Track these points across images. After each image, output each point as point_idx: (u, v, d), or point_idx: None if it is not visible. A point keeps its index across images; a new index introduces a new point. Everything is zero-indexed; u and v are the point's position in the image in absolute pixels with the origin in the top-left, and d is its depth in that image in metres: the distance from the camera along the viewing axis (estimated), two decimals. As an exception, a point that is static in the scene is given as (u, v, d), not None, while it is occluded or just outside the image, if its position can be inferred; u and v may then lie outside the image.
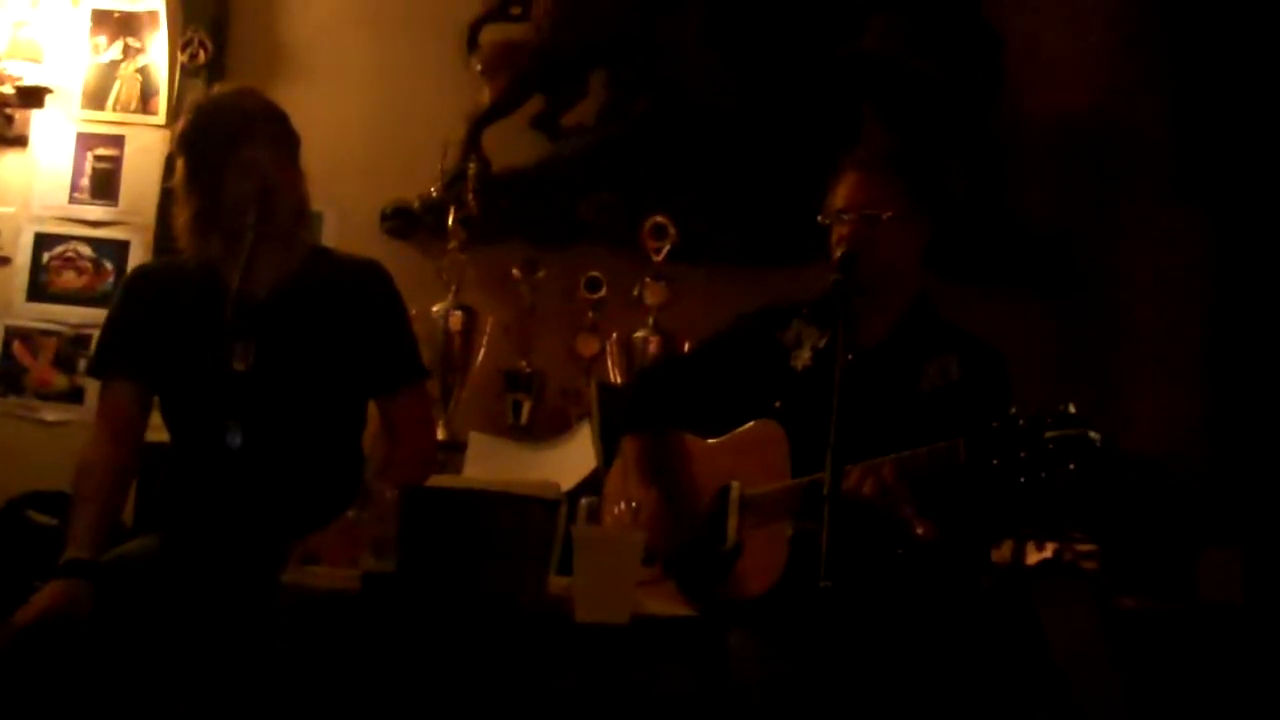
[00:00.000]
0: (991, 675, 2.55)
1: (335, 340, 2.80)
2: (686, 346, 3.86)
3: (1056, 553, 3.68)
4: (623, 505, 2.75)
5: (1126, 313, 4.40)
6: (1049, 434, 2.35)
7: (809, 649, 2.33)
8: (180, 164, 2.81)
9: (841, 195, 2.77)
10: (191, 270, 2.80)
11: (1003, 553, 3.64)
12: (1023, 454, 2.37)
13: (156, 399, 2.85)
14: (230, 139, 2.73)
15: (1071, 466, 2.33)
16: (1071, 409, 2.36)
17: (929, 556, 2.56)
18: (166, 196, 3.01)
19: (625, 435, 3.01)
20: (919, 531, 2.50)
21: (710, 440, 2.90)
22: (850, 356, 2.50)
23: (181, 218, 2.80)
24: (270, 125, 2.79)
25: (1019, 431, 2.38)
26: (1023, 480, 2.37)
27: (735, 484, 2.77)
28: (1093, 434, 2.33)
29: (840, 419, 2.33)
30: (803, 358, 2.84)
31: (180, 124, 2.87)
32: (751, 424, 2.80)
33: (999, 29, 4.37)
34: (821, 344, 2.82)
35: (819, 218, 2.81)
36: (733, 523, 2.75)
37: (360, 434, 2.94)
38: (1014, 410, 2.40)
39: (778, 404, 2.78)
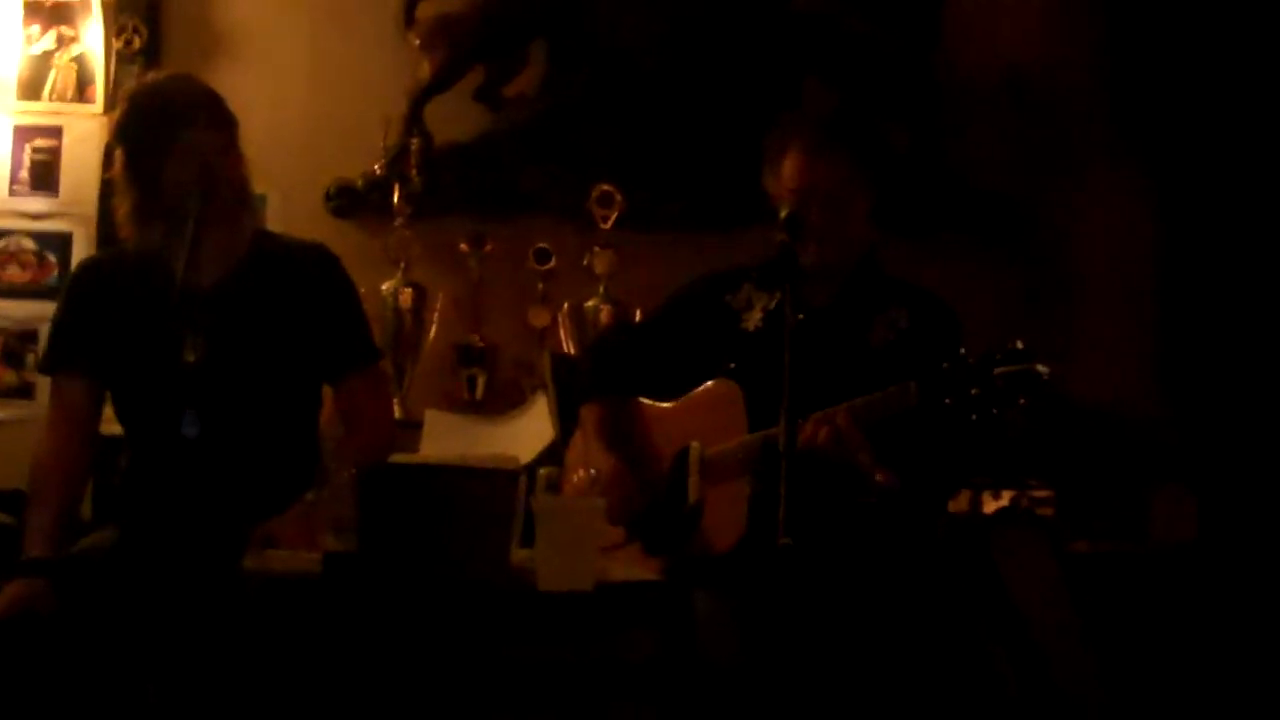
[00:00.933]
0: (952, 620, 2.59)
1: (285, 327, 2.79)
2: (638, 315, 3.87)
3: (1013, 500, 3.73)
4: (581, 473, 2.77)
5: (1074, 262, 4.43)
6: (998, 370, 2.38)
7: (773, 606, 2.35)
8: (118, 154, 2.79)
9: (790, 175, 2.78)
10: (136, 261, 2.78)
11: (960, 502, 3.68)
12: (974, 391, 2.40)
13: (109, 393, 2.83)
14: (167, 125, 2.71)
15: (1022, 401, 2.36)
16: (1019, 345, 2.40)
17: (891, 503, 2.59)
18: (107, 186, 2.98)
19: (583, 404, 3.02)
20: (878, 478, 2.53)
21: (667, 404, 2.91)
22: (801, 316, 2.52)
23: (123, 208, 2.78)
24: (207, 109, 2.77)
25: (969, 369, 2.41)
26: (975, 418, 2.40)
27: (695, 444, 2.79)
28: (1040, 367, 2.37)
29: (793, 377, 2.35)
30: (753, 319, 2.86)
31: (115, 114, 2.86)
32: (708, 384, 2.82)
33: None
34: (772, 305, 2.84)
35: (766, 187, 2.83)
36: (694, 481, 2.77)
37: (316, 416, 2.93)
38: (963, 351, 2.43)
39: (731, 365, 2.80)
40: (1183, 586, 3.65)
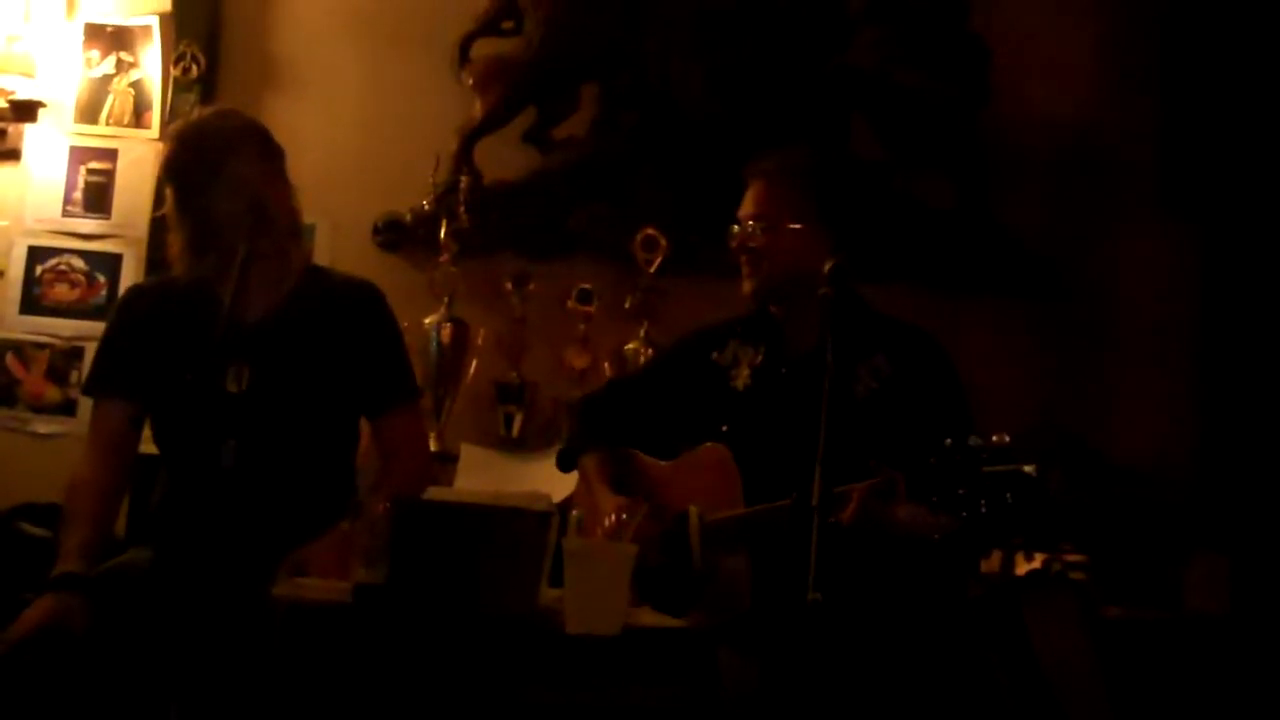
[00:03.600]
0: (979, 684, 2.56)
1: (329, 362, 2.81)
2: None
3: (1046, 563, 3.70)
4: (612, 518, 2.75)
5: (1114, 322, 4.42)
6: (985, 469, 2.36)
7: (799, 662, 2.33)
8: (169, 191, 2.81)
9: (742, 205, 2.86)
10: (185, 289, 2.81)
11: (992, 563, 3.66)
12: (960, 490, 2.37)
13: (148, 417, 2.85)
14: (214, 159, 2.74)
15: (1008, 497, 2.33)
16: (1005, 439, 2.35)
17: (957, 545, 2.58)
18: (160, 222, 3.01)
19: (581, 455, 3.01)
20: (937, 519, 2.50)
21: (662, 463, 2.90)
22: (784, 370, 2.51)
23: (176, 244, 2.80)
24: (253, 141, 2.80)
25: (955, 466, 2.38)
26: (964, 515, 2.37)
27: (693, 509, 2.74)
28: (1027, 468, 2.33)
29: (782, 433, 2.32)
30: (742, 377, 2.85)
31: (164, 152, 2.87)
32: (703, 447, 2.79)
33: (986, 40, 4.40)
34: (758, 361, 2.84)
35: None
36: (696, 549, 2.71)
37: (354, 450, 2.95)
38: (948, 443, 2.39)
39: (724, 428, 2.78)
40: (1214, 657, 3.61)
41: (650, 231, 4.22)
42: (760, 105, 4.41)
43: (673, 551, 2.76)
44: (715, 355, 2.90)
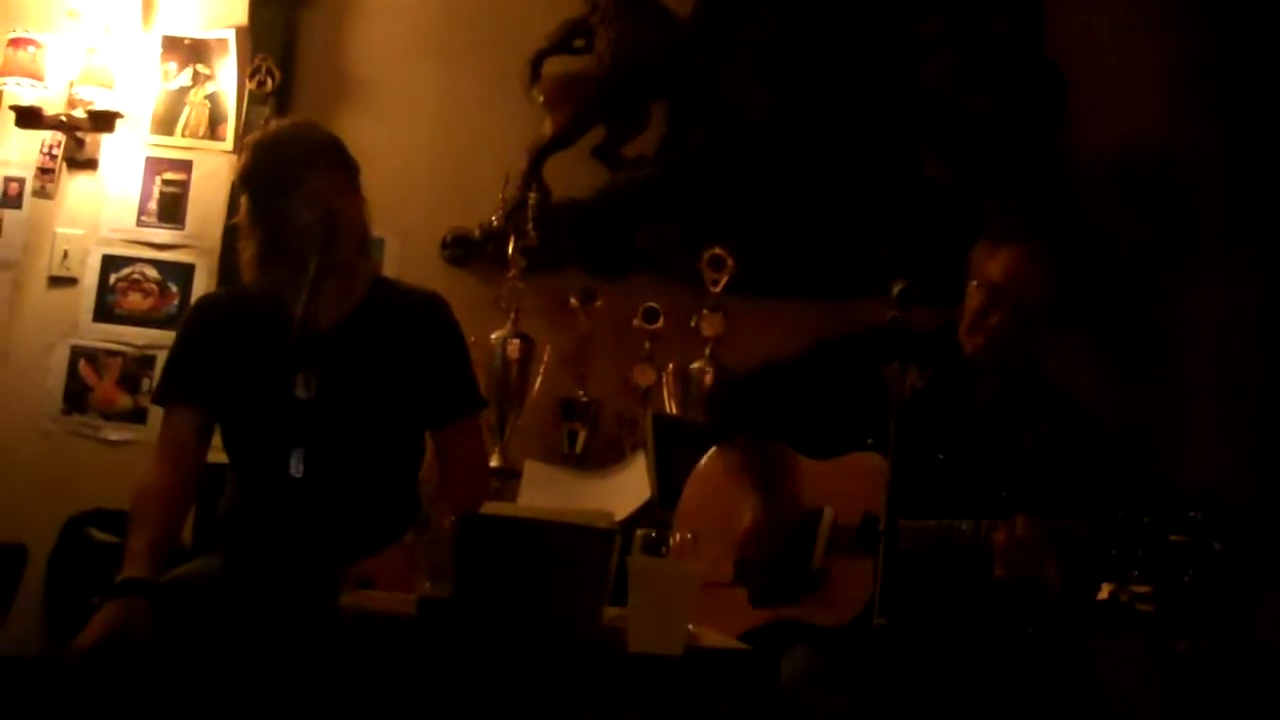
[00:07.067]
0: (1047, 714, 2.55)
1: (396, 371, 2.83)
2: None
3: (1112, 594, 3.65)
4: (678, 536, 2.75)
5: (1184, 351, 4.37)
6: (1174, 537, 2.33)
7: (870, 684, 2.32)
8: (243, 200, 2.83)
9: (999, 270, 2.73)
10: (256, 299, 2.83)
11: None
12: (1140, 552, 2.35)
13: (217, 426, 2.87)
14: (291, 170, 2.75)
15: (1187, 578, 2.30)
16: (1198, 516, 2.34)
17: (1055, 632, 2.57)
18: (233, 231, 3.04)
19: (726, 440, 3.01)
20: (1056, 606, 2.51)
21: (812, 461, 2.89)
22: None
23: (247, 252, 2.82)
24: (329, 154, 2.82)
25: (1142, 529, 2.36)
26: (1136, 574, 2.35)
27: (828, 510, 2.76)
28: (1217, 544, 2.31)
29: (945, 473, 2.31)
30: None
31: (240, 161, 2.89)
32: (861, 454, 2.78)
33: (1060, 65, 4.36)
34: (921, 384, 2.81)
35: (970, 283, 2.78)
36: (820, 548, 2.74)
37: (419, 461, 2.96)
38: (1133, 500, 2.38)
39: (870, 441, 2.77)
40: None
41: (717, 251, 4.22)
42: (829, 127, 4.40)
43: (796, 545, 2.76)
44: (880, 367, 2.83)
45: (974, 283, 2.77)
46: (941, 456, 2.45)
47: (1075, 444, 2.73)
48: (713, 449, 3.05)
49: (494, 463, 3.94)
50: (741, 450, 2.96)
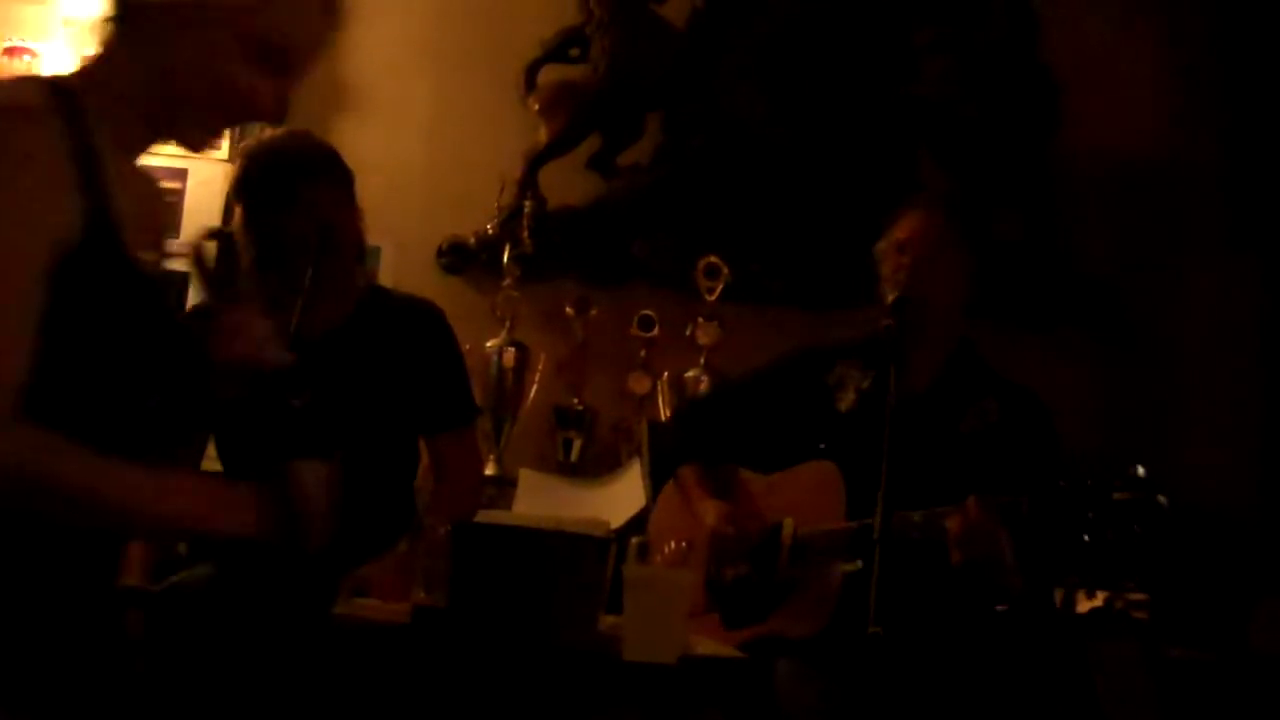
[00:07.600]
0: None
1: (390, 380, 2.83)
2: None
3: (1107, 601, 3.65)
4: (673, 544, 2.76)
5: (1180, 357, 4.38)
6: (1117, 495, 2.34)
7: (860, 690, 2.32)
8: (238, 210, 2.84)
9: (902, 229, 2.82)
10: (250, 309, 2.84)
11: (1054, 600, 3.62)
12: (1090, 514, 2.36)
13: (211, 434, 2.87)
14: (286, 181, 2.76)
15: (1137, 529, 2.31)
16: (1141, 471, 2.35)
17: (1020, 609, 2.57)
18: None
19: (681, 465, 3.03)
20: (1016, 582, 2.51)
21: (764, 476, 2.91)
22: (891, 400, 2.51)
23: (242, 262, 2.83)
24: (325, 165, 2.83)
25: (1086, 491, 2.37)
26: (1086, 539, 2.36)
27: (789, 521, 2.77)
28: (1161, 498, 2.32)
29: (890, 462, 2.34)
30: (846, 400, 2.86)
31: (235, 170, 2.89)
32: (810, 463, 2.81)
33: (1055, 71, 4.37)
34: (865, 386, 2.85)
35: (875, 248, 2.87)
36: (783, 560, 2.75)
37: (414, 471, 2.97)
38: (1079, 471, 2.39)
39: (822, 445, 2.79)
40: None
41: (713, 259, 4.22)
42: (825, 135, 4.41)
43: (759, 561, 2.76)
44: (823, 376, 2.92)
45: (881, 245, 2.86)
46: (886, 448, 2.45)
47: (1016, 418, 2.76)
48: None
49: (489, 471, 3.94)
50: (698, 470, 3.00)
